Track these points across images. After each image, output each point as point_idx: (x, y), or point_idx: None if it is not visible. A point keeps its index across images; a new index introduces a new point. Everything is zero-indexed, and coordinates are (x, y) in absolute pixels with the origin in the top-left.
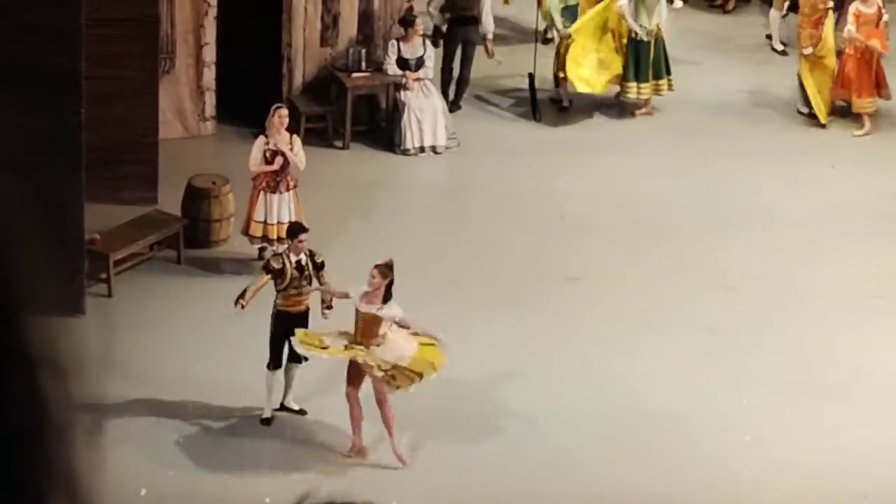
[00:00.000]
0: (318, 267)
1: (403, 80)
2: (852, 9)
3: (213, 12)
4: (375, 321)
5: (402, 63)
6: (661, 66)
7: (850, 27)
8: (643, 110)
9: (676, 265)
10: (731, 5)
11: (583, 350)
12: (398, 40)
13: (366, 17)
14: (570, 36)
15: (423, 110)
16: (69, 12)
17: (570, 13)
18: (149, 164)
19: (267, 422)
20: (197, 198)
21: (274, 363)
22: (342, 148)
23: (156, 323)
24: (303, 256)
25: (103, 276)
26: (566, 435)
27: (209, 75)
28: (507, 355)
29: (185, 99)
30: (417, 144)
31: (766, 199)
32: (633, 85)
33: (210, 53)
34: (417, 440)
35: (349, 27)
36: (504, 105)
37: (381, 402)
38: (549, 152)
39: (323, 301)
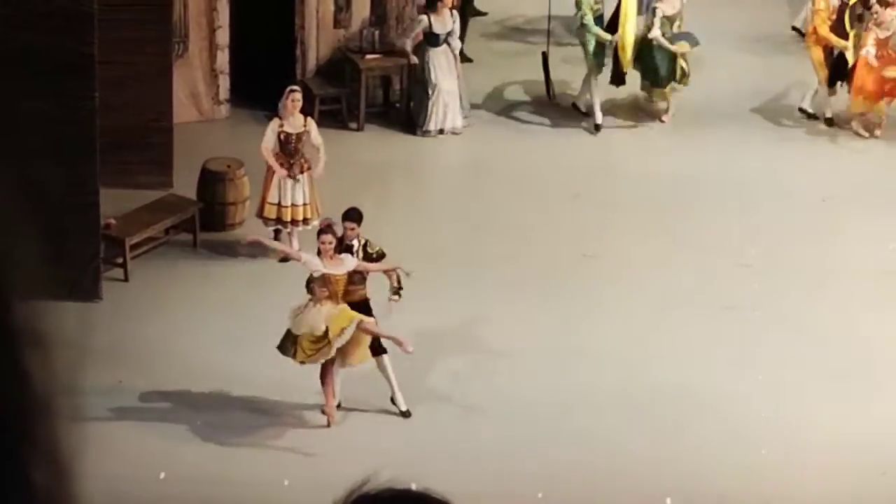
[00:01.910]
0: (373, 260)
1: (409, 61)
2: (872, 36)
3: None
4: (350, 278)
5: (433, 38)
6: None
7: (869, 49)
8: (669, 115)
9: (692, 242)
10: None
11: (601, 328)
12: (428, 14)
13: None
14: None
15: (451, 92)
16: None
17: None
18: (163, 148)
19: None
20: (212, 181)
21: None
22: (357, 130)
23: (173, 307)
24: (355, 243)
25: (119, 260)
26: (585, 412)
27: (223, 58)
28: (527, 333)
29: (198, 82)
30: (439, 127)
31: (782, 176)
32: (659, 91)
33: (223, 36)
34: (439, 417)
35: (362, 8)
36: (518, 84)
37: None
38: (563, 131)
39: (388, 277)
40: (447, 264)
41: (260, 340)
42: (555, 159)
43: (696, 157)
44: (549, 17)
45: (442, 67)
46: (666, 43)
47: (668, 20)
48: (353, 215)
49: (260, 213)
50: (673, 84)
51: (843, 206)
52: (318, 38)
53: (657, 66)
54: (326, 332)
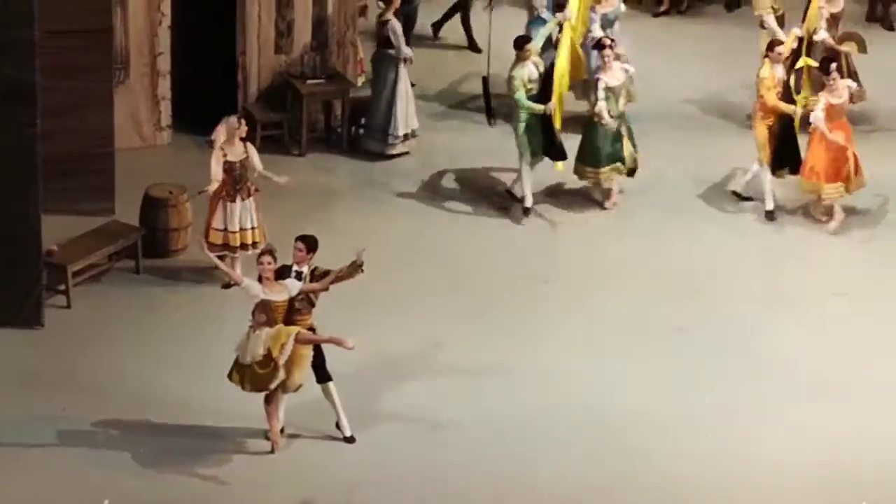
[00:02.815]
0: (320, 278)
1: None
2: (823, 100)
3: (166, 21)
4: (294, 305)
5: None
6: (620, 149)
7: (818, 113)
8: (612, 201)
9: (645, 265)
10: (684, 6)
11: (555, 352)
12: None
13: (319, 24)
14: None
15: (411, 96)
16: (24, 25)
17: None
18: (105, 174)
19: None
20: (154, 207)
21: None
22: (299, 155)
23: (116, 334)
24: (304, 269)
25: (62, 287)
26: (539, 435)
27: (164, 85)
28: (480, 358)
29: (140, 109)
30: (406, 131)
31: (729, 200)
32: (591, 170)
33: (164, 63)
34: (392, 441)
35: (303, 34)
36: (460, 110)
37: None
38: (506, 156)
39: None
40: (393, 290)
41: (203, 366)
42: (499, 184)
43: (643, 176)
44: (490, 41)
45: (404, 72)
46: (607, 116)
47: (613, 93)
48: (307, 240)
49: (204, 239)
50: (617, 166)
51: (791, 228)
52: (259, 64)
53: (598, 145)
54: (269, 354)
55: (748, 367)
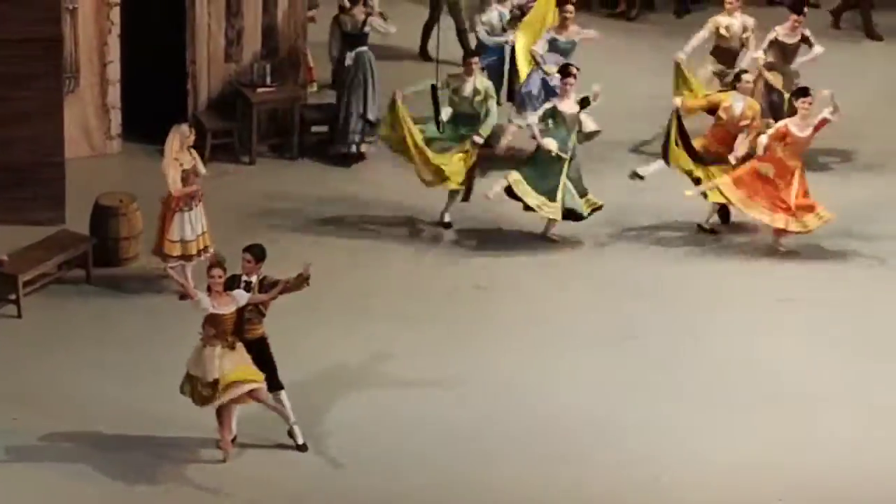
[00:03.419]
0: (269, 287)
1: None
2: (781, 124)
3: (115, 30)
4: (244, 315)
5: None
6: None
7: (763, 138)
8: (553, 232)
9: (587, 273)
10: (633, 13)
11: (499, 358)
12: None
13: (269, 32)
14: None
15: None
16: None
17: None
18: (55, 183)
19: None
20: (105, 216)
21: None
22: (249, 163)
23: (67, 343)
24: (253, 279)
25: (12, 297)
26: (485, 441)
27: (114, 93)
28: (424, 364)
29: (90, 118)
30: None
31: (675, 204)
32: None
33: (114, 72)
34: (344, 449)
35: (253, 42)
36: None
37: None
38: None
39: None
40: (340, 296)
41: (155, 376)
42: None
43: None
44: (438, 48)
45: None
46: (538, 134)
47: (564, 121)
48: (253, 251)
49: (159, 251)
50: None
51: (734, 233)
52: (209, 72)
53: (548, 176)
54: (217, 382)
55: (697, 373)
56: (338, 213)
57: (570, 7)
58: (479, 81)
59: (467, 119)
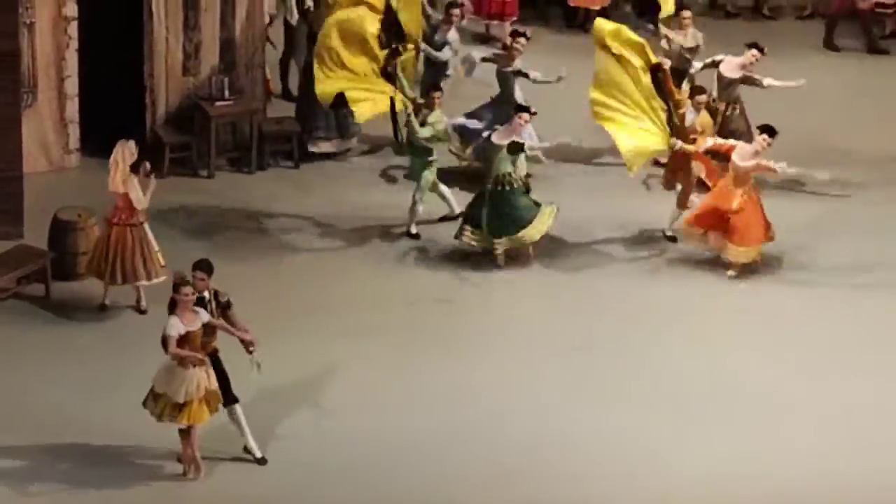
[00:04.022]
0: (224, 306)
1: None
2: (731, 142)
3: (73, 45)
4: (212, 330)
5: None
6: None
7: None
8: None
9: (551, 286)
10: (589, 25)
11: (461, 369)
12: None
13: (227, 46)
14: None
15: None
16: None
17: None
18: (14, 198)
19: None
20: (63, 231)
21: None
22: (207, 177)
23: (26, 358)
24: (206, 294)
25: None
26: (447, 452)
27: (72, 108)
28: (385, 378)
29: (48, 132)
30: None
31: (638, 213)
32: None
33: (72, 86)
34: (295, 464)
35: (211, 56)
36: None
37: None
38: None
39: (243, 342)
40: (301, 308)
41: (114, 390)
42: (396, 206)
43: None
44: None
45: None
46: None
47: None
48: (204, 266)
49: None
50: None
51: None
52: (167, 86)
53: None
54: (185, 404)
55: (661, 384)
56: (298, 226)
57: (521, 40)
58: (435, 117)
59: (420, 150)
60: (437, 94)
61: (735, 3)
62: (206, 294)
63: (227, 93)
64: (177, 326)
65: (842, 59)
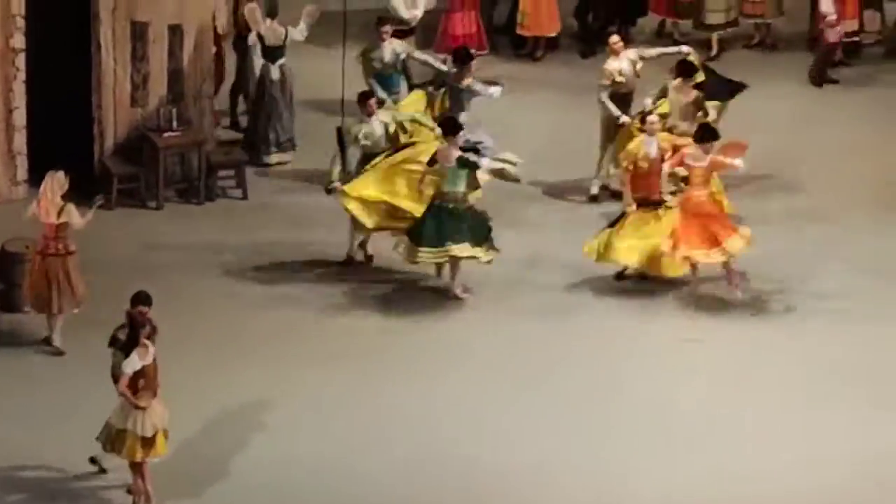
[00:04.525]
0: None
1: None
2: (685, 149)
3: (21, 76)
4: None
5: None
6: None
7: (665, 167)
8: (459, 291)
9: (488, 308)
10: (539, 53)
11: (390, 398)
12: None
13: (175, 76)
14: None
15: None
16: None
17: None
18: None
19: None
20: (10, 262)
21: None
22: (156, 208)
23: None
24: (148, 327)
25: None
26: (370, 482)
27: (20, 139)
28: (329, 410)
29: None
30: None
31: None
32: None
33: (20, 117)
34: (244, 494)
35: (159, 87)
36: (311, 156)
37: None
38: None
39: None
40: (247, 339)
41: (62, 422)
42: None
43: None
44: (343, 88)
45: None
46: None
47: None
48: (143, 298)
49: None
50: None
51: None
52: (115, 117)
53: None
54: (152, 437)
55: (618, 414)
56: (245, 257)
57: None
58: (387, 121)
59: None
60: (370, 99)
61: (681, 31)
62: (148, 327)
63: (175, 124)
64: (134, 363)
65: (790, 88)
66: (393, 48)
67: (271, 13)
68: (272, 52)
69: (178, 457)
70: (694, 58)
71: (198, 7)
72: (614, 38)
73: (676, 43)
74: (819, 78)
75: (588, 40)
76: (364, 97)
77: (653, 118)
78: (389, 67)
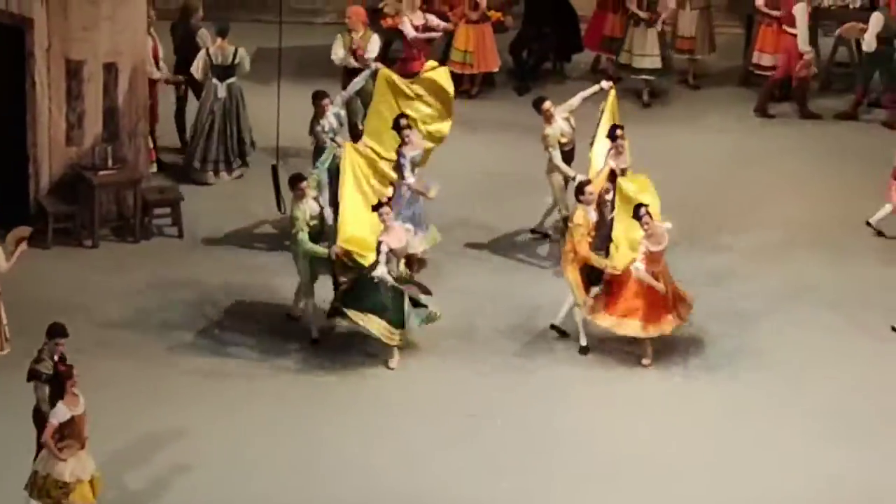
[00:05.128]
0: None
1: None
2: (642, 247)
3: None
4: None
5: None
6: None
7: (638, 264)
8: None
9: (427, 348)
10: (474, 90)
11: (332, 438)
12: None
13: (110, 114)
14: None
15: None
16: None
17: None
18: None
19: None
20: None
21: None
22: (91, 246)
23: None
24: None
25: None
26: None
27: None
28: (276, 451)
29: None
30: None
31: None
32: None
33: None
34: None
35: (94, 125)
36: (249, 195)
37: None
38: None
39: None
40: (192, 377)
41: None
42: (280, 277)
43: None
44: (278, 128)
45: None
46: (391, 279)
47: (395, 254)
48: (60, 331)
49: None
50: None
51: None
52: (50, 156)
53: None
54: (68, 484)
55: (541, 450)
56: (182, 296)
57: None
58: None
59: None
60: (302, 184)
61: (616, 71)
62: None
63: (110, 162)
64: (61, 413)
65: (723, 123)
66: (334, 113)
67: (221, 33)
68: (220, 72)
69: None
70: (613, 90)
71: (132, 46)
72: (546, 104)
73: (610, 78)
74: (763, 110)
75: (523, 77)
76: (296, 179)
77: (590, 188)
78: (338, 129)
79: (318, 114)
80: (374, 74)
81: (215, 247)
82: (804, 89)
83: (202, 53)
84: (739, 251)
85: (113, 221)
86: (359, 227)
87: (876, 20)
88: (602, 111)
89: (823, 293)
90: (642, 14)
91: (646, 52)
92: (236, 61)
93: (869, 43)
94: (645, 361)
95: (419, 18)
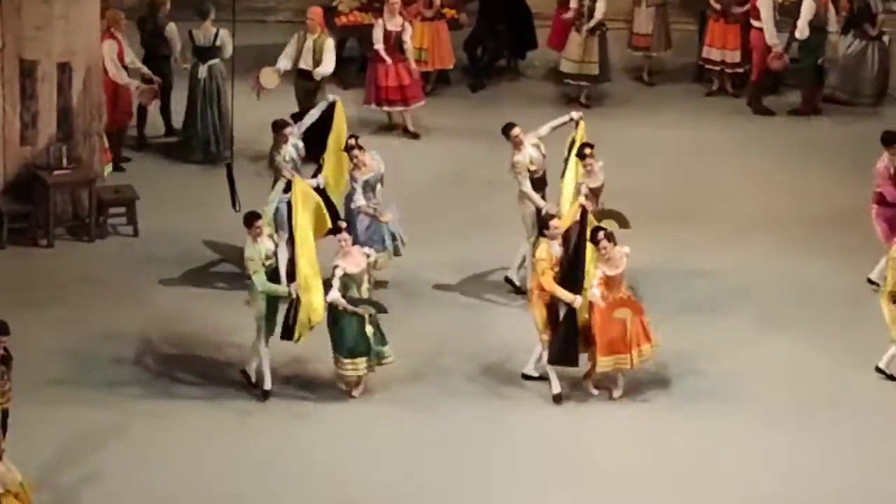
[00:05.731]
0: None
1: None
2: (599, 272)
3: None
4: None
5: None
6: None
7: (594, 290)
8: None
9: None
10: (429, 87)
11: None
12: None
13: (65, 114)
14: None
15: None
16: None
17: None
18: None
19: None
20: None
21: None
22: (47, 246)
23: None
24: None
25: None
26: None
27: None
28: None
29: None
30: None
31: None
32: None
33: None
34: None
35: (48, 125)
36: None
37: None
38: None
39: None
40: (133, 376)
41: None
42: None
43: None
44: (232, 127)
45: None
46: (346, 304)
47: (353, 280)
48: (2, 329)
49: None
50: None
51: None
52: (4, 156)
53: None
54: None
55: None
56: (138, 294)
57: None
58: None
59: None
60: (258, 222)
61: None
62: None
63: (64, 161)
64: None
65: (679, 119)
66: (292, 144)
67: (203, 14)
68: (202, 53)
69: None
70: (583, 122)
71: (86, 45)
72: (516, 131)
73: (582, 105)
74: (757, 107)
75: (477, 74)
76: (251, 218)
77: (555, 223)
78: (297, 159)
79: (278, 143)
80: (331, 107)
81: (171, 244)
82: (758, 87)
83: (176, 39)
84: (695, 244)
85: (68, 221)
86: (311, 264)
87: (807, 7)
88: (572, 141)
89: (782, 288)
90: (570, 16)
91: (584, 59)
92: (217, 43)
93: (801, 30)
94: (616, 394)
95: (395, 24)
